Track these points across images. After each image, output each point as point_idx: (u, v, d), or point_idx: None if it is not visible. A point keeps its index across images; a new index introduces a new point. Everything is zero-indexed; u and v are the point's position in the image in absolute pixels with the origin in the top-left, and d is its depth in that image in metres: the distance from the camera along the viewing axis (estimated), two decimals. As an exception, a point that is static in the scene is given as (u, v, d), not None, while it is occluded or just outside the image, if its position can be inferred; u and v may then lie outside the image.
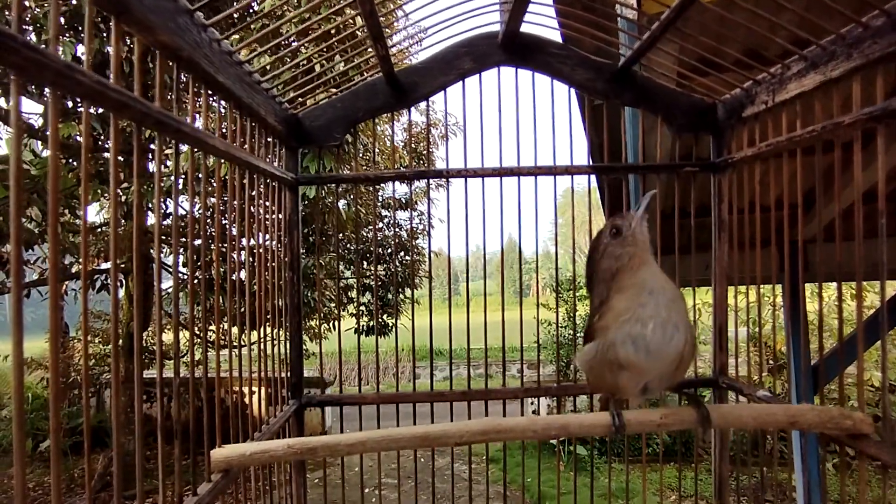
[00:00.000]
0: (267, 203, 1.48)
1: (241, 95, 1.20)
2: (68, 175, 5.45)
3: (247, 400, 1.28)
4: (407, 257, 8.92)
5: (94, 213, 7.21)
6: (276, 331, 1.53)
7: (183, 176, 1.05)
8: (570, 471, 6.37)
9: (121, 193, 5.60)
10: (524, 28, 1.54)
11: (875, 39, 0.99)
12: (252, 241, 1.37)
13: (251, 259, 1.41)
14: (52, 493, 0.67)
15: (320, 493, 1.79)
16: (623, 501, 4.60)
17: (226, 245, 1.39)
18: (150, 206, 4.85)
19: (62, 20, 5.01)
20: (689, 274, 1.69)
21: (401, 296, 8.46)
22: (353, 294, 8.43)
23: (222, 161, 1.15)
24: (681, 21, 1.22)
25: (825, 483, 4.47)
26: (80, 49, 5.11)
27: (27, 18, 5.11)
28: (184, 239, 1.03)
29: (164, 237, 4.85)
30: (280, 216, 1.60)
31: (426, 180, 1.80)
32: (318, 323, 6.54)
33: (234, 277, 1.31)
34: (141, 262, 5.44)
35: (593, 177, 2.52)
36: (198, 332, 1.07)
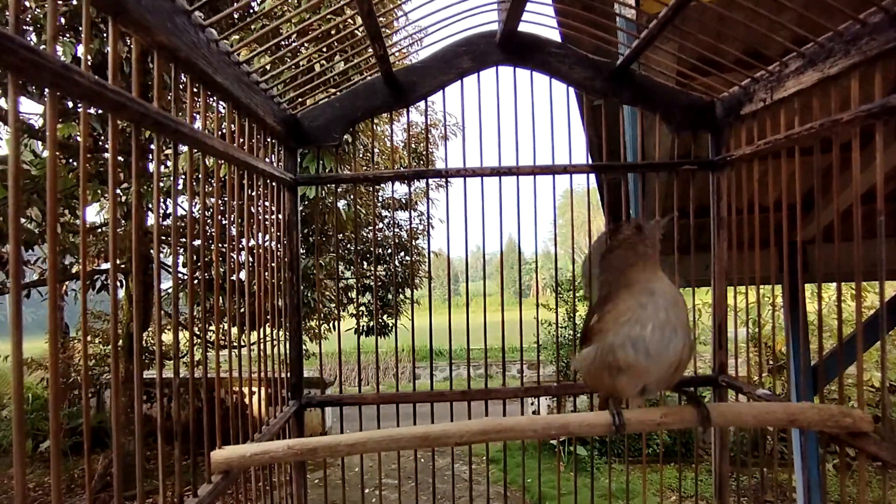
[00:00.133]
0: (266, 203, 1.48)
1: (239, 96, 1.20)
2: (68, 175, 5.45)
3: (247, 400, 1.28)
4: (407, 258, 8.92)
5: (95, 214, 7.22)
6: (275, 331, 1.53)
7: (183, 176, 1.05)
8: (571, 471, 6.37)
9: (121, 193, 5.61)
10: (523, 27, 1.54)
11: (873, 36, 0.99)
12: (251, 242, 1.37)
13: (251, 259, 1.41)
14: (52, 494, 0.67)
15: (321, 494, 1.79)
16: (623, 502, 4.60)
17: (225, 245, 1.39)
18: (149, 206, 4.85)
19: (62, 20, 5.01)
20: (689, 274, 1.69)
21: (401, 296, 8.46)
22: (353, 294, 8.43)
23: (221, 161, 1.15)
24: (680, 20, 1.22)
25: (825, 483, 4.48)
26: (80, 49, 5.11)
27: (27, 19, 5.11)
28: (183, 239, 1.03)
29: (163, 237, 4.85)
30: (279, 216, 1.60)
31: (425, 180, 1.80)
32: (317, 323, 6.54)
33: (233, 278, 1.31)
34: (140, 262, 5.44)
35: (593, 177, 2.52)
36: (197, 333, 1.07)
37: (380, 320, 9.33)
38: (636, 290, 1.02)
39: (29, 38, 5.16)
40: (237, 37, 4.02)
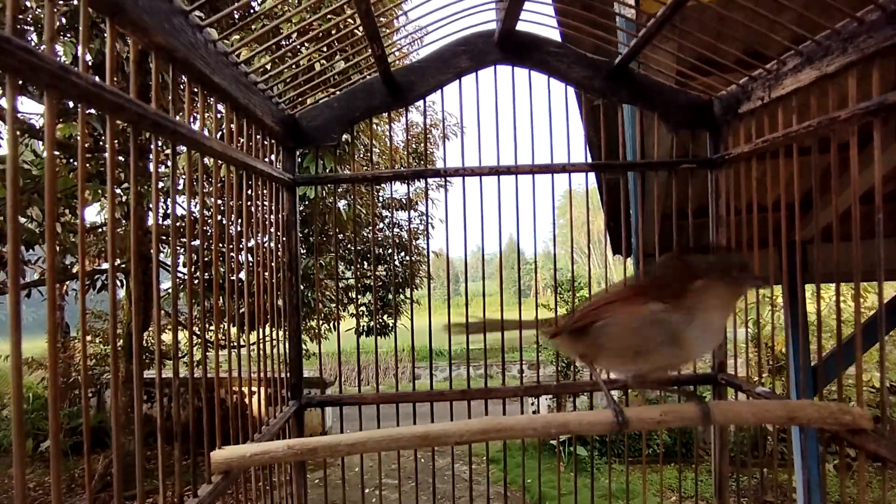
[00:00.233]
0: (266, 203, 1.48)
1: (237, 96, 1.20)
2: (69, 175, 5.46)
3: (247, 400, 1.28)
4: (407, 257, 8.92)
5: (95, 213, 7.22)
6: (275, 331, 1.53)
7: (182, 176, 1.05)
8: (571, 471, 6.37)
9: (121, 193, 5.61)
10: (521, 27, 1.55)
11: (870, 34, 0.99)
12: (251, 242, 1.37)
13: (250, 259, 1.41)
14: (52, 494, 0.67)
15: (321, 494, 1.79)
16: (623, 502, 4.60)
17: (224, 245, 1.39)
18: (149, 206, 4.84)
19: (63, 20, 5.01)
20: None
21: (401, 296, 8.47)
22: (353, 294, 8.43)
23: (220, 162, 1.15)
24: (678, 19, 1.22)
25: (825, 483, 4.47)
26: (80, 47, 5.10)
27: (28, 19, 5.11)
28: (183, 239, 1.03)
29: (163, 237, 4.85)
30: (278, 217, 1.60)
31: (424, 180, 1.80)
32: (318, 323, 6.55)
33: (233, 278, 1.31)
34: (140, 262, 5.44)
35: (593, 177, 2.52)
36: (197, 333, 1.07)
37: (380, 320, 9.33)
38: (712, 304, 1.04)
39: (29, 38, 5.16)
40: (237, 36, 4.03)
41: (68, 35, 5.01)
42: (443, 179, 1.77)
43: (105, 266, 6.89)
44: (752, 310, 1.62)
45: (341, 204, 6.49)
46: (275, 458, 1.05)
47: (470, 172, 1.70)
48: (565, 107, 1.68)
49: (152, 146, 0.90)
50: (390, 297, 9.53)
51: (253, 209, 1.36)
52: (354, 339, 2.07)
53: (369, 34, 1.27)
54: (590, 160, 1.94)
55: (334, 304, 7.45)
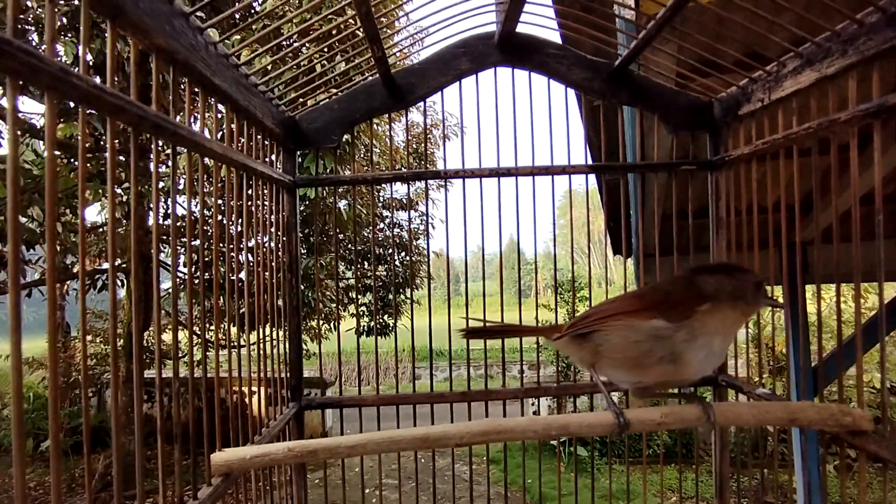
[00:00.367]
0: (266, 203, 1.48)
1: (238, 98, 1.20)
2: (69, 175, 5.46)
3: (247, 400, 1.28)
4: (407, 258, 8.93)
5: (96, 213, 7.23)
6: (275, 331, 1.53)
7: (183, 177, 1.05)
8: (571, 472, 6.37)
9: (121, 193, 5.62)
10: (521, 29, 1.55)
11: (870, 36, 0.99)
12: (251, 242, 1.37)
13: (250, 259, 1.41)
14: (52, 493, 0.67)
15: (321, 494, 1.79)
16: (624, 502, 4.60)
17: (224, 245, 1.39)
18: (149, 206, 4.85)
19: (64, 20, 5.02)
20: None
21: (401, 296, 8.47)
22: (354, 294, 8.44)
23: (220, 163, 1.16)
24: (678, 21, 1.22)
25: (826, 484, 4.47)
26: (81, 49, 5.11)
27: (29, 19, 5.12)
28: (183, 239, 1.03)
29: (163, 237, 4.86)
30: (278, 217, 1.60)
31: (425, 181, 1.80)
32: (318, 323, 6.55)
33: (233, 278, 1.31)
34: (140, 262, 5.44)
35: (593, 178, 2.52)
36: (197, 332, 1.07)
37: (380, 320, 9.33)
38: (719, 322, 1.05)
39: (30, 39, 5.17)
40: (238, 37, 4.03)
41: (69, 35, 5.02)
42: (443, 180, 1.77)
43: (105, 266, 6.90)
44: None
45: (342, 204, 6.49)
46: (275, 460, 1.05)
47: (470, 174, 1.70)
48: (565, 108, 1.68)
49: (153, 146, 0.91)
50: (390, 297, 9.53)
51: (253, 209, 1.37)
52: (355, 339, 2.07)
53: (370, 36, 1.28)
54: (590, 161, 1.95)
55: (335, 304, 7.46)
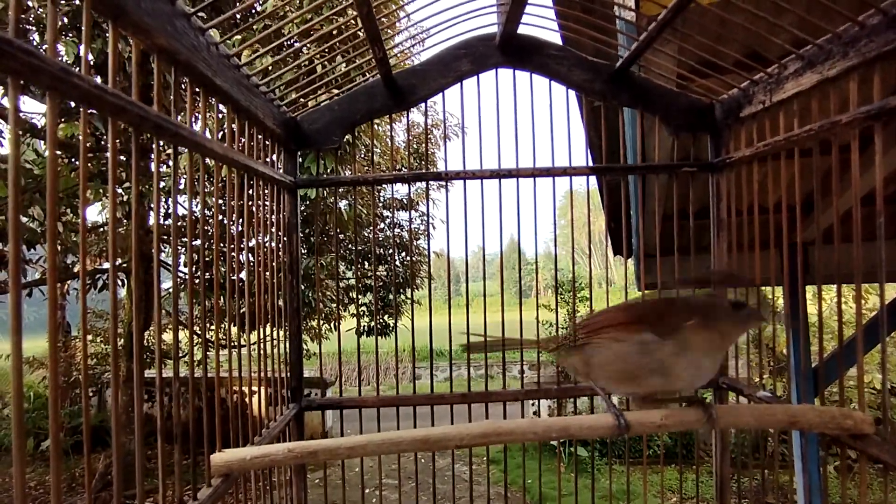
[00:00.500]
0: (267, 203, 1.48)
1: (239, 98, 1.20)
2: (70, 174, 5.47)
3: (247, 400, 1.28)
4: (408, 258, 8.93)
5: (97, 213, 7.24)
6: (275, 330, 1.53)
7: (184, 177, 1.05)
8: (571, 472, 6.37)
9: (122, 193, 5.62)
10: (522, 30, 1.54)
11: (871, 38, 0.98)
12: (251, 242, 1.37)
13: (251, 259, 1.41)
14: (52, 493, 0.67)
15: (321, 494, 1.79)
16: (624, 503, 4.60)
17: (225, 245, 1.39)
18: (150, 205, 4.85)
19: (65, 20, 5.02)
20: (689, 275, 1.68)
21: (401, 296, 8.47)
22: (354, 294, 8.45)
23: (221, 164, 1.16)
24: (679, 22, 1.22)
25: (826, 485, 4.46)
26: (83, 49, 5.11)
27: (30, 18, 5.13)
28: (184, 239, 1.04)
29: (164, 237, 4.86)
30: (279, 218, 1.60)
31: (426, 182, 1.80)
32: (318, 323, 6.55)
33: (233, 278, 1.31)
34: (141, 261, 5.45)
35: (594, 178, 2.52)
36: (198, 332, 1.07)
37: (380, 320, 9.33)
38: (704, 341, 1.04)
39: (31, 38, 5.18)
40: (239, 37, 4.03)
41: (70, 34, 5.02)
42: (444, 181, 1.77)
43: (106, 265, 6.90)
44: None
45: (342, 204, 6.49)
46: (275, 461, 1.05)
47: (471, 175, 1.70)
48: (566, 110, 1.68)
49: (154, 146, 0.91)
50: (391, 297, 9.53)
51: (254, 210, 1.37)
52: (355, 339, 2.07)
53: (371, 37, 1.28)
54: (591, 162, 1.95)
55: (335, 304, 7.46)
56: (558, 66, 1.64)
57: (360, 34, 1.34)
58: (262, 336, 1.39)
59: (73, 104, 5.17)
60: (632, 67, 1.60)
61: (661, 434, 1.26)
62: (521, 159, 1.71)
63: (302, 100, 1.66)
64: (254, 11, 5.48)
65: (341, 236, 7.38)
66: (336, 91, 1.83)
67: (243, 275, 1.40)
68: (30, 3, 5.03)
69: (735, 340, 1.15)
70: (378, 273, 9.56)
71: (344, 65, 2.33)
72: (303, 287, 1.72)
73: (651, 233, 3.43)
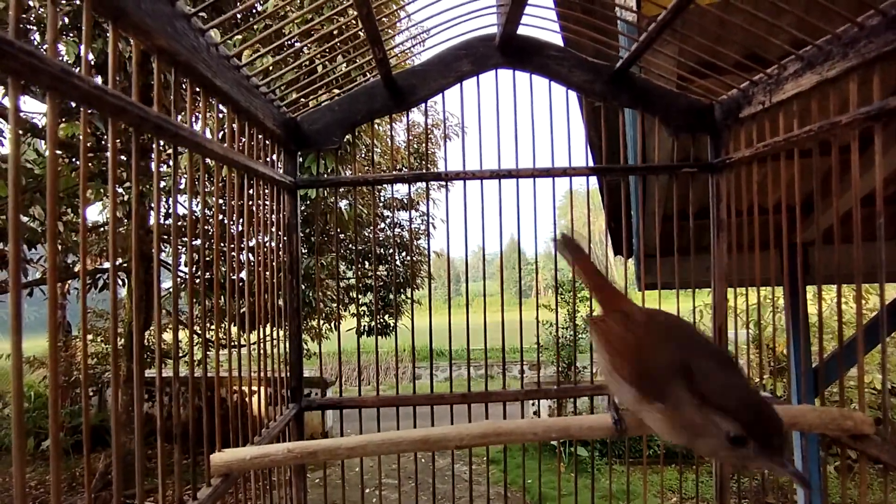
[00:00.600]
0: (267, 203, 1.48)
1: (239, 99, 1.20)
2: (71, 174, 5.47)
3: (247, 400, 1.28)
4: (408, 258, 8.93)
5: (97, 213, 7.24)
6: (275, 330, 1.54)
7: (184, 176, 1.05)
8: (571, 472, 6.37)
9: (122, 193, 5.62)
10: (522, 31, 1.55)
11: (871, 39, 0.99)
12: (252, 242, 1.38)
13: (251, 259, 1.41)
14: (52, 492, 0.67)
15: (320, 494, 1.79)
16: (624, 503, 4.60)
17: (224, 245, 1.39)
18: (151, 205, 4.85)
19: (66, 20, 5.02)
20: (690, 276, 1.69)
21: (401, 296, 8.47)
22: (354, 294, 8.45)
23: (221, 164, 1.16)
24: (679, 23, 1.22)
25: (826, 486, 4.46)
26: (83, 49, 5.10)
27: (31, 18, 5.13)
28: (184, 239, 1.04)
29: (164, 237, 4.87)
30: (279, 218, 1.60)
31: (426, 182, 1.80)
32: (318, 323, 6.55)
33: (233, 277, 1.31)
34: (141, 261, 5.45)
35: (594, 179, 2.52)
36: (198, 332, 1.07)
37: (381, 320, 9.33)
38: (664, 424, 0.91)
39: (32, 38, 5.18)
40: (240, 37, 4.03)
41: (71, 34, 5.02)
42: (444, 181, 1.77)
43: (106, 265, 6.90)
44: (754, 311, 1.63)
45: (343, 204, 6.49)
46: (275, 461, 1.05)
47: (471, 176, 1.70)
48: (566, 110, 1.68)
49: (154, 147, 0.91)
50: (391, 297, 9.53)
51: (254, 210, 1.37)
52: (355, 338, 2.07)
53: (371, 37, 1.28)
54: (591, 163, 1.95)
55: (335, 304, 7.46)
56: (558, 66, 1.64)
57: (361, 34, 1.34)
58: (262, 336, 1.39)
59: (73, 104, 5.17)
60: (632, 68, 1.60)
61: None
62: (521, 160, 1.71)
63: (302, 100, 1.66)
64: (254, 11, 5.48)
65: (342, 236, 7.38)
66: (336, 91, 1.83)
67: (243, 275, 1.40)
68: (30, 3, 5.03)
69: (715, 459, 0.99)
70: (378, 273, 9.56)
71: (344, 65, 2.33)
72: (303, 287, 1.72)
73: (651, 233, 3.43)
